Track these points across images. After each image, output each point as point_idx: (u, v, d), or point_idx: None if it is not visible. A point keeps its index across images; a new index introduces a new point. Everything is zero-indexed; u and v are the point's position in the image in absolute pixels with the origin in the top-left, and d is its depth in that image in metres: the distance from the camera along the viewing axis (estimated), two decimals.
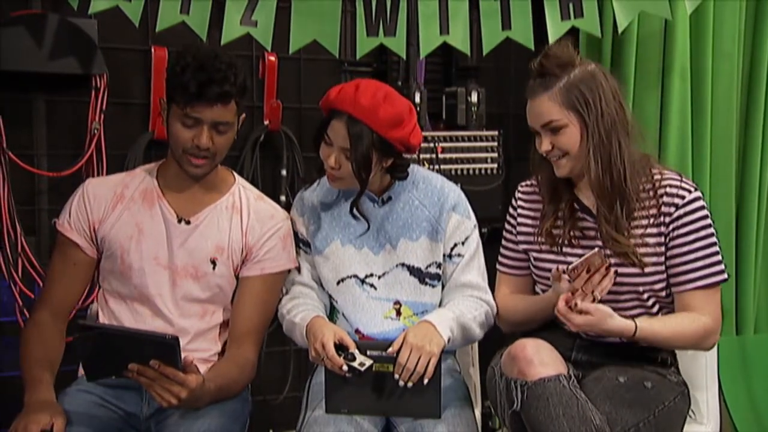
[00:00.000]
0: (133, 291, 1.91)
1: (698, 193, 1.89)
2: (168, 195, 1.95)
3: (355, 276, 1.97)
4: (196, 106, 1.80)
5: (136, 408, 1.87)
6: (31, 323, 1.93)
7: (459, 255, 1.98)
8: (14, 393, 1.91)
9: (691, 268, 1.87)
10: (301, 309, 1.93)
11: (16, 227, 2.39)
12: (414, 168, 2.03)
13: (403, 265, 1.97)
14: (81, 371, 1.99)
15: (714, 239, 1.88)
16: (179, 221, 1.93)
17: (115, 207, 1.93)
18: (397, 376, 1.74)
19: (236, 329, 1.95)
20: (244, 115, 1.94)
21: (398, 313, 1.97)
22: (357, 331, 1.96)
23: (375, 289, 1.97)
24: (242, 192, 2.00)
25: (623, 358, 1.92)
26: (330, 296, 2.00)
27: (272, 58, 2.72)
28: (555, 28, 2.51)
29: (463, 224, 1.99)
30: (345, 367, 1.74)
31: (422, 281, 1.97)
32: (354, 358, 1.75)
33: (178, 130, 1.85)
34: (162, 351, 1.65)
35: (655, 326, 1.85)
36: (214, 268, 1.92)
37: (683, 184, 1.89)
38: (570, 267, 1.79)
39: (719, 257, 1.88)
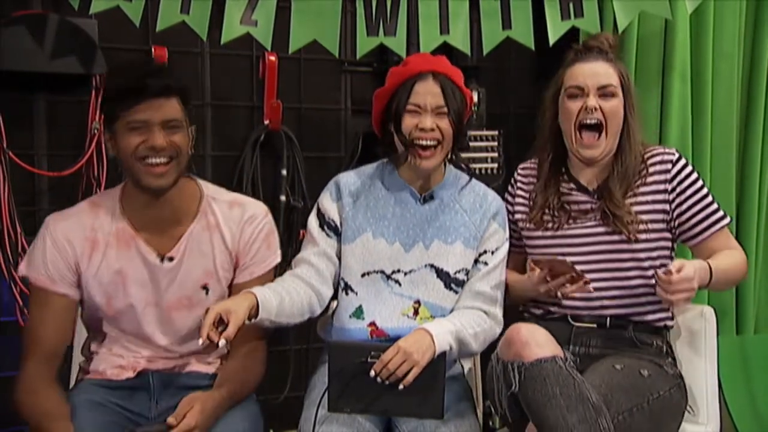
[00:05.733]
0: (126, 329, 1.88)
1: (680, 154, 2.04)
2: (142, 232, 1.85)
3: (382, 272, 1.96)
4: (140, 105, 1.71)
5: (144, 409, 1.86)
6: (26, 380, 1.78)
7: (485, 263, 1.99)
8: (14, 393, 1.91)
9: (703, 216, 2.00)
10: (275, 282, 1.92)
11: (16, 227, 2.39)
12: (458, 173, 2.04)
13: (432, 266, 1.96)
14: (73, 378, 2.00)
15: (707, 189, 2.04)
16: (162, 260, 1.85)
17: (91, 255, 1.84)
18: (372, 373, 1.72)
19: (238, 333, 1.89)
20: (194, 126, 1.84)
21: (416, 312, 1.96)
22: (372, 323, 1.95)
23: (399, 285, 1.96)
24: (213, 205, 1.90)
25: (620, 347, 1.94)
26: (347, 285, 1.97)
27: (272, 58, 2.72)
28: (555, 28, 2.51)
29: (498, 234, 2.01)
30: (201, 341, 1.64)
31: (447, 286, 1.97)
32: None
33: (127, 140, 1.74)
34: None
35: (720, 264, 1.92)
36: (207, 293, 1.89)
37: (666, 150, 2.05)
38: (533, 258, 1.98)
39: (717, 205, 2.04)
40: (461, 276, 1.97)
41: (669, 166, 2.01)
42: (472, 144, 2.83)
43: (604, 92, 1.98)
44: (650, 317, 2.01)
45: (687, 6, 2.60)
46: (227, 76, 2.79)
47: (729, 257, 1.98)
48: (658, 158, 2.03)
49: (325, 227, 1.99)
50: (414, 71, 1.91)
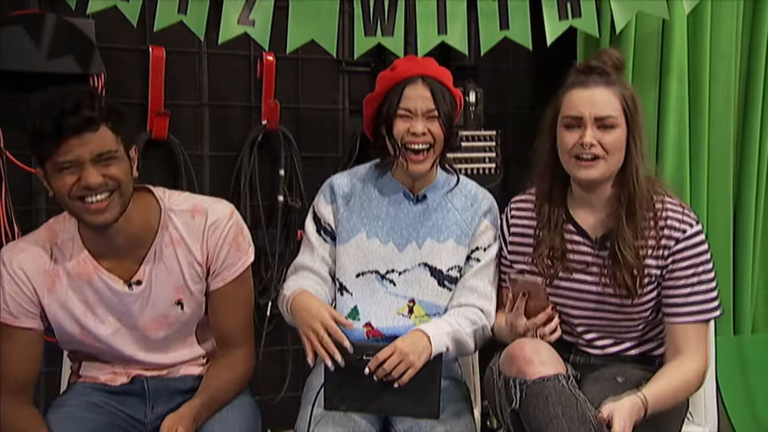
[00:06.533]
0: (106, 354, 1.85)
1: (699, 227, 1.86)
2: (102, 260, 1.77)
3: (376, 272, 1.97)
4: (63, 145, 1.59)
5: (140, 414, 1.85)
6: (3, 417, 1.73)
7: (477, 260, 1.99)
8: None
9: (685, 302, 1.84)
10: (295, 286, 1.92)
11: (13, 227, 2.39)
12: (453, 176, 2.04)
13: (425, 265, 1.97)
14: (65, 381, 1.99)
15: (712, 275, 1.86)
16: (129, 286, 1.78)
17: (53, 287, 1.77)
18: (367, 370, 1.73)
19: (222, 338, 1.89)
20: (134, 147, 1.75)
21: (410, 311, 1.96)
22: (368, 324, 1.95)
23: (394, 285, 1.97)
24: (174, 218, 1.80)
25: (621, 360, 1.93)
26: (342, 286, 1.98)
27: (270, 58, 2.73)
28: (553, 28, 2.51)
29: (489, 231, 2.01)
30: (348, 344, 1.73)
31: (441, 284, 1.97)
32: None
33: (60, 181, 1.62)
34: None
35: (658, 391, 1.78)
36: (182, 308, 1.83)
37: (685, 218, 1.86)
38: (511, 276, 1.86)
39: (715, 293, 1.86)
40: (454, 273, 1.97)
41: (672, 243, 1.84)
42: (470, 144, 2.83)
43: (603, 123, 1.81)
44: (655, 352, 1.97)
45: (684, 6, 2.60)
46: (225, 76, 2.79)
47: (674, 376, 1.81)
48: (670, 223, 1.85)
49: (322, 232, 2.00)
50: (403, 75, 1.91)
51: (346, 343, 1.73)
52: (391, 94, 1.90)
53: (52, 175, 1.64)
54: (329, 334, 1.75)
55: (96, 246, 1.77)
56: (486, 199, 2.03)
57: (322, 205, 2.02)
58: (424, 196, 2.00)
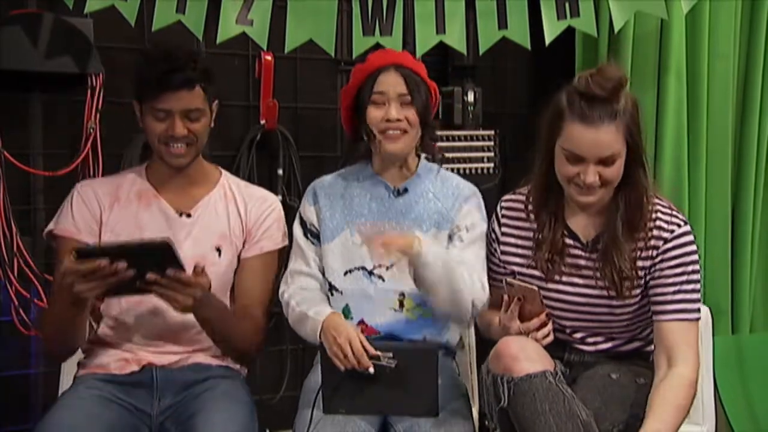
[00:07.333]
0: (134, 300, 1.88)
1: (688, 228, 1.87)
2: (162, 193, 2.00)
3: (363, 268, 1.97)
4: (162, 96, 1.87)
5: (147, 405, 1.86)
6: None
7: (460, 239, 1.97)
8: (12, 393, 1.90)
9: (673, 299, 1.84)
10: (314, 303, 1.93)
11: (11, 227, 2.38)
12: (435, 167, 2.06)
13: None
14: (64, 381, 1.99)
15: (698, 276, 1.86)
16: (180, 215, 1.98)
17: (112, 207, 1.97)
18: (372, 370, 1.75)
19: (242, 305, 1.98)
20: (217, 101, 2.00)
21: (401, 304, 1.96)
22: (361, 321, 1.95)
23: (383, 280, 1.97)
24: (230, 182, 2.08)
25: (615, 357, 1.93)
26: (332, 285, 1.99)
27: (268, 58, 2.72)
28: (551, 28, 2.51)
29: (471, 214, 2.00)
30: (372, 369, 1.76)
31: None
32: (379, 359, 1.77)
33: (151, 125, 1.91)
34: (162, 257, 1.67)
35: (663, 423, 1.73)
36: (219, 255, 1.97)
37: (673, 218, 1.86)
38: (507, 280, 1.86)
39: (698, 295, 1.85)
40: None
41: (661, 243, 1.84)
42: (468, 144, 2.84)
43: (605, 161, 1.77)
44: (647, 349, 1.98)
45: (683, 6, 2.61)
46: (223, 75, 2.77)
47: (671, 400, 1.75)
48: (658, 224, 1.86)
49: (309, 235, 2.03)
50: (377, 65, 1.95)
51: (371, 369, 1.77)
52: (366, 83, 1.94)
53: (146, 115, 1.92)
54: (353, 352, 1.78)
55: (159, 179, 2.01)
56: (468, 187, 2.03)
57: (306, 207, 2.05)
58: (405, 189, 2.01)
